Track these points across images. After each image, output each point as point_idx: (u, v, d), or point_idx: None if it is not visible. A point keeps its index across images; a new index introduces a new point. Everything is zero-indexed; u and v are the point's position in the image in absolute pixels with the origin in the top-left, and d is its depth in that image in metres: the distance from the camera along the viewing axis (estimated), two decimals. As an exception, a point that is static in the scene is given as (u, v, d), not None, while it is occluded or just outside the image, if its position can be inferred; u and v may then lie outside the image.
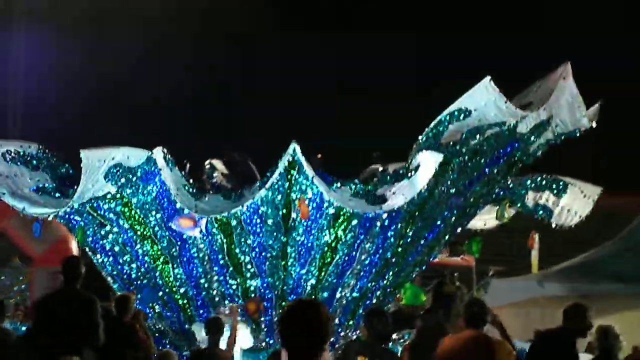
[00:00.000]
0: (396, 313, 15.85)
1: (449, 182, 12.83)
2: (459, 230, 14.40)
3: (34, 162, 12.91)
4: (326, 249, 12.64)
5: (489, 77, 11.73)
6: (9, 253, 22.64)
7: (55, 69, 32.61)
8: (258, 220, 12.40)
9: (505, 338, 8.81)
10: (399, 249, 13.24)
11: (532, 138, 13.16)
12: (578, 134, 13.30)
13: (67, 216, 13.12)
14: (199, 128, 32.01)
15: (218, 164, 13.87)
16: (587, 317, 8.85)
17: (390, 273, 13.52)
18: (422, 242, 13.55)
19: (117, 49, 33.89)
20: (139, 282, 13.37)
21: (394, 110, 28.40)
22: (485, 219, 15.01)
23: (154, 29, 33.95)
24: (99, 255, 13.49)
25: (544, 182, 13.91)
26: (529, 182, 13.94)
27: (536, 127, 12.95)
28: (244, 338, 12.03)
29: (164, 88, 33.35)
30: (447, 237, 14.23)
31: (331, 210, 12.31)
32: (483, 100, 11.89)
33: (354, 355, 8.23)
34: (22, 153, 12.84)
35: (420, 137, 12.38)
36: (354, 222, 12.48)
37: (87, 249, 13.77)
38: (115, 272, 13.60)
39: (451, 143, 12.24)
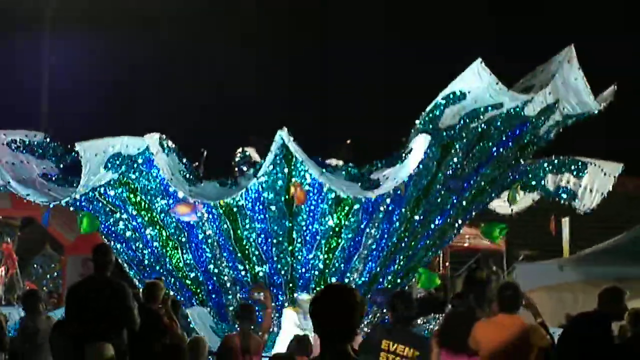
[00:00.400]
0: (426, 298, 15.82)
1: (455, 166, 12.67)
2: (473, 214, 14.17)
3: (40, 150, 12.89)
4: (331, 233, 12.52)
5: (480, 59, 11.55)
6: (41, 241, 22.94)
7: (70, 69, 32.85)
8: (261, 207, 12.38)
9: (539, 322, 8.78)
10: (406, 234, 13.05)
11: (541, 121, 12.92)
12: (587, 117, 13.09)
13: (77, 203, 12.96)
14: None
15: (252, 152, 13.98)
16: (623, 300, 8.77)
17: (401, 257, 13.34)
18: (432, 226, 13.34)
19: (129, 50, 34.19)
20: (150, 268, 13.27)
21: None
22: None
23: (163, 31, 34.31)
24: (112, 242, 13.37)
25: (561, 164, 13.71)
26: (545, 164, 13.72)
27: (543, 110, 12.68)
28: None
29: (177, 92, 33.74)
30: (460, 221, 14.00)
31: (332, 195, 12.19)
32: (477, 83, 11.73)
33: (377, 339, 8.17)
34: (27, 142, 12.80)
35: (417, 122, 12.15)
36: (356, 206, 12.38)
37: (102, 236, 13.72)
38: (128, 259, 13.51)
39: (450, 127, 12.11)
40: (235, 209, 12.47)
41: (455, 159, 12.55)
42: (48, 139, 13.01)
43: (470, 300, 9.77)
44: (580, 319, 8.96)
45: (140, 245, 13.25)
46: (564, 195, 13.72)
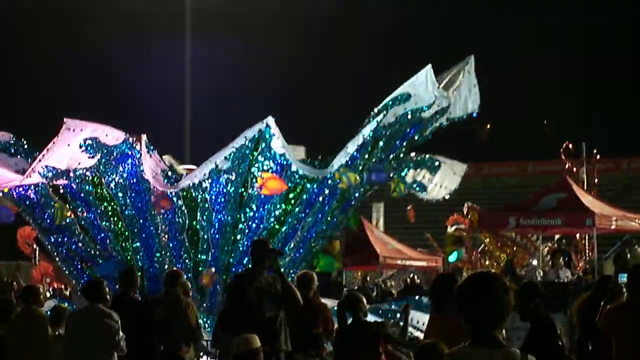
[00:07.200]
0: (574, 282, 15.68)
1: (378, 161, 13.76)
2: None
3: (11, 149, 13.67)
4: (275, 221, 13.22)
5: (429, 66, 13.20)
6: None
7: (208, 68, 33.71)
8: (223, 199, 13.02)
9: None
10: (325, 222, 14.00)
11: (431, 122, 14.00)
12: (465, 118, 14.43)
13: (28, 198, 13.67)
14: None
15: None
16: None
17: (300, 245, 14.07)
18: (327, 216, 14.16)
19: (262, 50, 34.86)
20: (96, 258, 13.86)
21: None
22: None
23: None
24: (55, 235, 13.97)
25: (424, 161, 14.55)
26: (417, 160, 14.53)
27: (437, 113, 13.83)
28: None
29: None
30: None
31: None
32: (422, 87, 13.31)
33: None
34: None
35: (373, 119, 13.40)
36: (305, 196, 13.20)
37: (38, 230, 14.47)
38: (69, 251, 14.09)
39: (389, 124, 13.54)
40: (198, 201, 13.14)
41: (378, 155, 13.78)
42: (14, 139, 13.68)
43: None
44: None
45: (86, 238, 13.89)
46: (417, 188, 14.60)
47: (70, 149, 12.69)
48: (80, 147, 12.67)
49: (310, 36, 38.01)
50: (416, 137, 14.18)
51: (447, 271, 26.20)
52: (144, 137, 12.84)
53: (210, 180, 12.99)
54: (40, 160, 12.63)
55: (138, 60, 36.46)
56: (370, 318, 9.78)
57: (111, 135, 12.81)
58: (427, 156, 14.59)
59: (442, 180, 14.60)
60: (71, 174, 13.02)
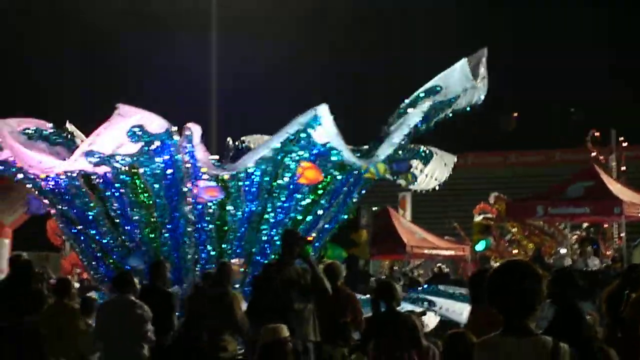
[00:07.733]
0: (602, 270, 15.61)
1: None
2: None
3: (52, 137, 13.76)
4: (302, 210, 13.19)
5: (465, 59, 13.29)
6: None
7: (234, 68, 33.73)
8: (256, 189, 12.97)
9: None
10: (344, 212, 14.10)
11: (438, 113, 13.88)
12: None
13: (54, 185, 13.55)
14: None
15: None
16: None
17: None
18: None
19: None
20: (119, 249, 13.79)
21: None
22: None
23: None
24: (79, 226, 13.92)
25: (419, 151, 14.41)
26: (411, 150, 14.35)
27: (443, 104, 13.77)
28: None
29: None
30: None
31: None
32: (455, 80, 13.37)
33: None
34: (41, 130, 13.72)
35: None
36: (332, 186, 13.17)
37: (60, 221, 14.33)
38: (91, 242, 14.02)
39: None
40: (231, 191, 13.03)
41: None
42: (55, 129, 13.74)
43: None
44: None
45: (112, 229, 13.81)
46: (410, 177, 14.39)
47: (116, 134, 12.67)
48: (127, 134, 12.65)
49: (337, 35, 37.83)
50: (422, 128, 14.11)
51: (475, 259, 26.32)
52: (192, 125, 12.81)
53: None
54: (89, 145, 12.64)
55: (148, 60, 36.54)
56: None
57: (156, 123, 12.78)
58: (421, 147, 14.50)
59: (433, 171, 14.52)
60: (113, 162, 12.94)
